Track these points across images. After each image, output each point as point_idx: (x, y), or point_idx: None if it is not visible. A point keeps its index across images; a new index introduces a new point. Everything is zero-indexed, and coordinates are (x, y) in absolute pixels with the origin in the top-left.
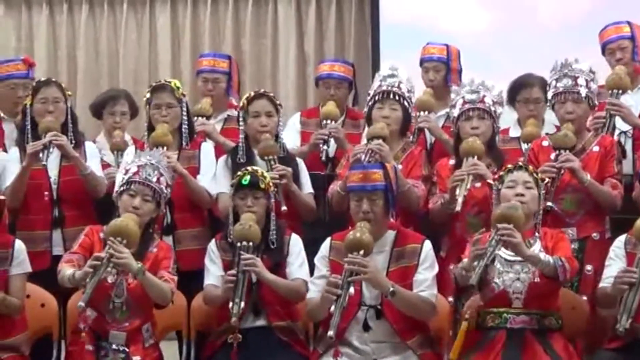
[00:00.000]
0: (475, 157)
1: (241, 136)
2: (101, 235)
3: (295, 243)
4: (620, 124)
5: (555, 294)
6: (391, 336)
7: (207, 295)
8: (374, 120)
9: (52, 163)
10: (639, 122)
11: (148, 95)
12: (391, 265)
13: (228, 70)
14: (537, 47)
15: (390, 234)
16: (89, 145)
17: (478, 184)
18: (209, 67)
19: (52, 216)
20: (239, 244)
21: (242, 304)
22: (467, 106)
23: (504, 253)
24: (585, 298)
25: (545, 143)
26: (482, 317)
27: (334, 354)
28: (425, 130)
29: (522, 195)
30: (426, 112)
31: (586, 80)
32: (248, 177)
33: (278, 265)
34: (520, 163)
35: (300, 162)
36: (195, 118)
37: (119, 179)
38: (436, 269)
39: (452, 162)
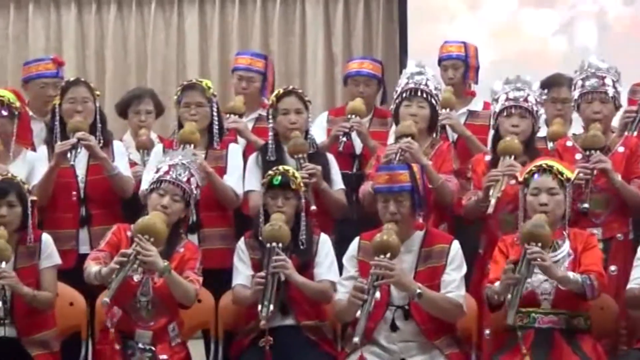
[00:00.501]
0: (512, 157)
1: (270, 134)
2: (128, 233)
3: (324, 243)
4: None
5: (582, 297)
6: (418, 336)
7: (236, 296)
8: (402, 117)
9: (80, 162)
10: None
11: (178, 94)
12: (419, 265)
13: (264, 70)
14: None
15: (419, 234)
16: (117, 144)
17: (513, 181)
18: (245, 66)
19: (79, 215)
20: (268, 245)
21: (271, 306)
22: (509, 103)
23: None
24: None
25: (569, 143)
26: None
27: (359, 358)
28: (448, 127)
29: (546, 204)
30: (447, 110)
31: (612, 81)
32: (279, 177)
33: (306, 264)
34: (545, 165)
35: (331, 158)
36: (228, 115)
37: (149, 177)
38: (464, 269)
39: (487, 157)
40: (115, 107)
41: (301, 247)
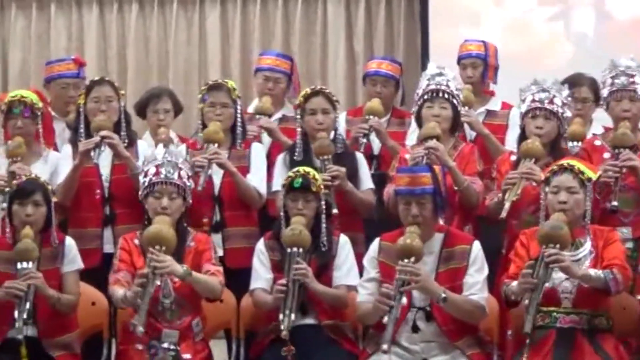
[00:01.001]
0: (533, 160)
1: (298, 134)
2: (136, 241)
3: (344, 245)
4: None
5: (605, 295)
6: (440, 336)
7: (257, 300)
8: (425, 119)
9: (104, 161)
10: None
11: (203, 93)
12: (440, 267)
13: (289, 71)
14: None
15: (439, 236)
16: (141, 144)
17: (535, 183)
18: (271, 66)
19: (103, 214)
20: (289, 250)
21: (293, 316)
22: (534, 104)
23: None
24: None
25: (597, 142)
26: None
27: None
28: (466, 125)
29: (565, 202)
30: (466, 108)
31: None
32: (300, 180)
33: (325, 266)
34: (566, 164)
35: (359, 157)
36: (258, 116)
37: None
38: (486, 270)
39: (513, 157)
40: (134, 107)
41: (322, 249)
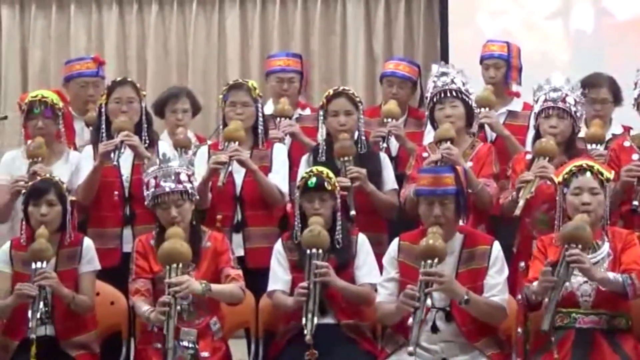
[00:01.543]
0: (547, 159)
1: (321, 135)
2: (152, 242)
3: (363, 243)
4: None
5: (623, 298)
6: (459, 337)
7: (277, 303)
8: (438, 121)
9: (125, 161)
10: None
11: (224, 93)
12: (460, 267)
13: (301, 70)
14: None
15: (459, 236)
16: (162, 145)
17: (549, 182)
18: (282, 67)
19: (123, 214)
20: (308, 252)
21: (315, 319)
22: (547, 104)
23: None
24: None
25: (627, 143)
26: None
27: None
28: (486, 126)
29: (589, 204)
30: (487, 109)
31: None
32: (314, 180)
33: (345, 265)
34: (585, 165)
35: (384, 157)
36: (278, 119)
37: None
38: (506, 271)
39: (529, 156)
40: (152, 107)
41: (337, 246)
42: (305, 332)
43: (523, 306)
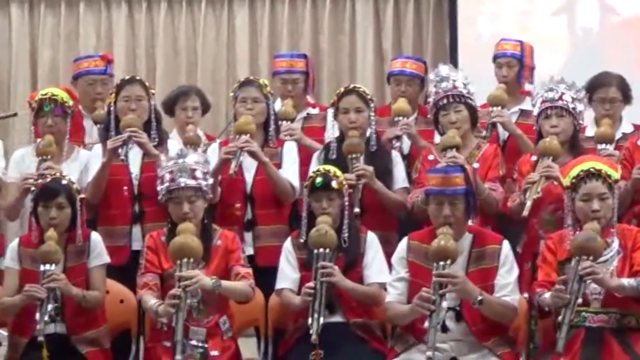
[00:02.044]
0: (551, 158)
1: (332, 132)
2: (163, 239)
3: (371, 242)
4: None
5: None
6: (469, 336)
7: (285, 302)
8: (443, 126)
9: (134, 159)
10: None
11: (235, 90)
12: (470, 267)
13: (305, 70)
14: None
15: (468, 236)
16: (171, 143)
17: (556, 182)
18: (287, 68)
19: (132, 211)
20: (315, 251)
21: (322, 319)
22: (545, 105)
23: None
24: None
25: None
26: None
27: None
28: (499, 125)
29: (598, 211)
30: (499, 107)
31: None
32: (321, 179)
33: (353, 263)
34: (593, 170)
35: (395, 155)
36: (281, 122)
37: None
38: (516, 271)
39: (534, 158)
40: (162, 105)
41: (343, 244)
42: (311, 332)
43: (528, 305)
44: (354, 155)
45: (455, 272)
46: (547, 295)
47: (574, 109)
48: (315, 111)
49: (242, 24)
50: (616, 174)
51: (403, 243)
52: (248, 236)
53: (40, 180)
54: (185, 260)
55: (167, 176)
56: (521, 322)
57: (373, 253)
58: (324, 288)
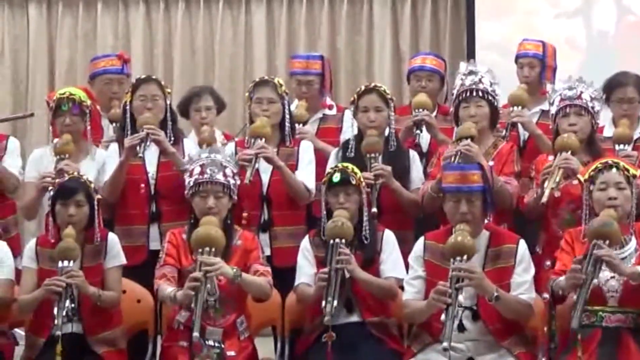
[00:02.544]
0: (569, 152)
1: (351, 131)
2: (184, 236)
3: (388, 239)
4: None
5: None
6: (486, 335)
7: (300, 294)
8: (462, 119)
9: (151, 158)
10: None
11: (250, 90)
12: (486, 266)
13: (321, 71)
14: None
15: (485, 234)
16: (187, 142)
17: (575, 181)
18: (302, 70)
19: (149, 211)
20: (331, 242)
21: (335, 302)
22: (564, 103)
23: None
24: None
25: None
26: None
27: None
28: (519, 125)
29: (615, 198)
30: (520, 107)
31: None
32: (338, 175)
33: (370, 261)
34: (610, 162)
35: (413, 155)
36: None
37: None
38: (532, 270)
39: (551, 157)
40: (177, 108)
41: (365, 242)
42: (325, 313)
43: (548, 305)
44: (372, 155)
45: (472, 267)
46: (562, 278)
47: (592, 108)
48: (331, 112)
49: (259, 24)
50: (635, 170)
51: (420, 243)
52: (264, 237)
53: (57, 180)
54: (207, 249)
55: (197, 169)
56: (538, 322)
57: (389, 250)
58: (338, 275)
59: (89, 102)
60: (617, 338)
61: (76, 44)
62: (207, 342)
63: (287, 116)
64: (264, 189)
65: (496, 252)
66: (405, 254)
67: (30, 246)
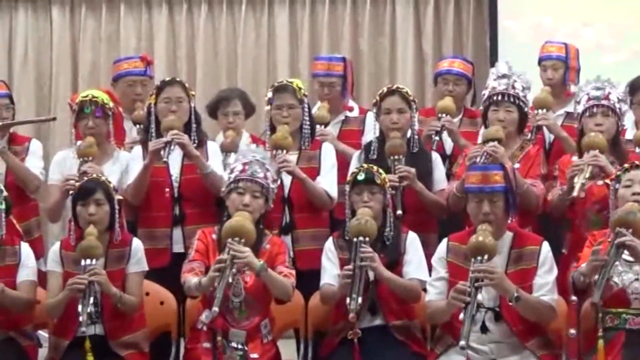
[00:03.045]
0: (597, 151)
1: (373, 133)
2: (214, 236)
3: (412, 241)
4: None
5: None
6: (509, 337)
7: (324, 294)
8: (490, 122)
9: (175, 161)
10: None
11: (270, 95)
12: (509, 267)
13: (343, 73)
14: None
15: (508, 236)
16: (211, 144)
17: (600, 182)
18: (324, 72)
19: (173, 214)
20: (355, 240)
21: (360, 299)
22: (591, 102)
23: (624, 254)
24: None
25: None
26: (601, 316)
27: None
28: (544, 128)
29: (639, 194)
30: (544, 110)
31: None
32: (363, 174)
33: (395, 263)
34: (638, 162)
35: (435, 157)
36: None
37: (225, 178)
38: (555, 271)
39: (575, 158)
40: (206, 108)
41: (387, 243)
42: (349, 310)
43: (576, 308)
44: (395, 157)
45: (492, 267)
46: (583, 265)
47: (619, 109)
48: (353, 114)
49: (282, 26)
50: None
51: (443, 244)
52: (286, 240)
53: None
54: (236, 239)
55: (239, 166)
56: (562, 324)
57: (413, 251)
58: (363, 272)
59: (111, 104)
60: None
61: (99, 46)
62: (230, 344)
63: (307, 119)
64: (286, 192)
65: (519, 253)
66: (428, 257)
67: (54, 249)
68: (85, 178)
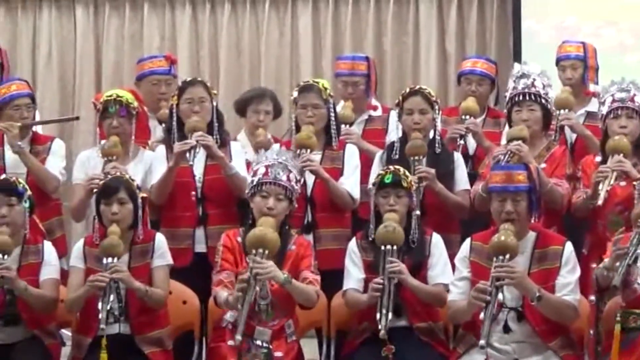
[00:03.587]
0: (621, 155)
1: (395, 133)
2: (238, 239)
3: (436, 243)
4: None
5: None
6: (532, 337)
7: (350, 300)
8: (514, 123)
9: (198, 161)
10: None
11: (295, 94)
12: (532, 267)
13: (367, 72)
14: None
15: (531, 235)
16: (234, 144)
17: (623, 183)
18: (348, 71)
19: (196, 214)
20: (382, 248)
21: (390, 315)
22: (616, 104)
23: None
24: None
25: None
26: (624, 317)
27: None
28: (566, 128)
29: None
30: (566, 110)
31: None
32: (390, 176)
33: (419, 265)
34: None
35: (457, 157)
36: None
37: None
38: (578, 271)
39: (598, 159)
40: (234, 105)
41: (412, 246)
42: (380, 327)
43: (595, 308)
44: (416, 157)
45: (513, 266)
46: (606, 260)
47: None
48: (376, 113)
49: (305, 26)
50: None
51: (466, 244)
52: (308, 238)
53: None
54: (260, 251)
55: (262, 169)
56: (584, 324)
57: (438, 254)
58: (392, 284)
59: (136, 104)
60: None
61: (122, 45)
62: (255, 342)
63: (333, 120)
64: (308, 191)
65: (542, 253)
66: (451, 257)
67: (78, 246)
68: (109, 176)
